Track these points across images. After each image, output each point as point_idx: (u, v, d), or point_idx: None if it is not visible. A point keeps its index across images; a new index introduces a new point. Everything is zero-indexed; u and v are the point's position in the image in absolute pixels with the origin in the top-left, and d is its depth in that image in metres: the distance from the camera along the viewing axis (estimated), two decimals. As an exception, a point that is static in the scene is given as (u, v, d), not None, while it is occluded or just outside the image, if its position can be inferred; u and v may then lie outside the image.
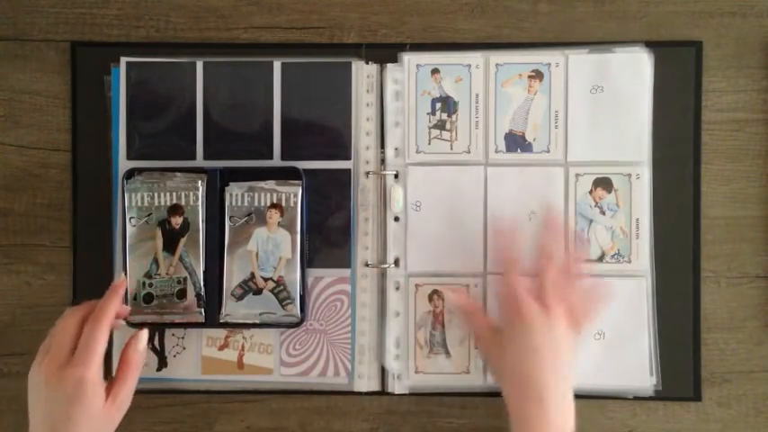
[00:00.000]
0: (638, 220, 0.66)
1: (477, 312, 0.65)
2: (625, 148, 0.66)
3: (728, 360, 0.67)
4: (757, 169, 0.67)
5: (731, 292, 0.67)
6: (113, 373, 0.59)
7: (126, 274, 0.64)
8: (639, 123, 0.66)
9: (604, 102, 0.66)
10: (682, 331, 0.66)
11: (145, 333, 0.60)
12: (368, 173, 0.67)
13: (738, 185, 0.67)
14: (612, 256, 0.66)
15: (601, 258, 0.66)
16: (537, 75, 0.67)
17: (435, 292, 0.67)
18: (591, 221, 0.66)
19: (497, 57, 0.67)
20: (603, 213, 0.66)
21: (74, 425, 0.54)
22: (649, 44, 0.67)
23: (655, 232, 0.66)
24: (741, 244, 0.67)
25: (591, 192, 0.66)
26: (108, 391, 0.56)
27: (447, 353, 0.67)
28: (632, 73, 0.66)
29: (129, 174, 0.65)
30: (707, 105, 0.67)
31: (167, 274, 0.65)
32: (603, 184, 0.66)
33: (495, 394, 0.67)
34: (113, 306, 0.58)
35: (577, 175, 0.66)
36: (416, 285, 0.67)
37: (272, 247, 0.65)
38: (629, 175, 0.66)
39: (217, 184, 0.65)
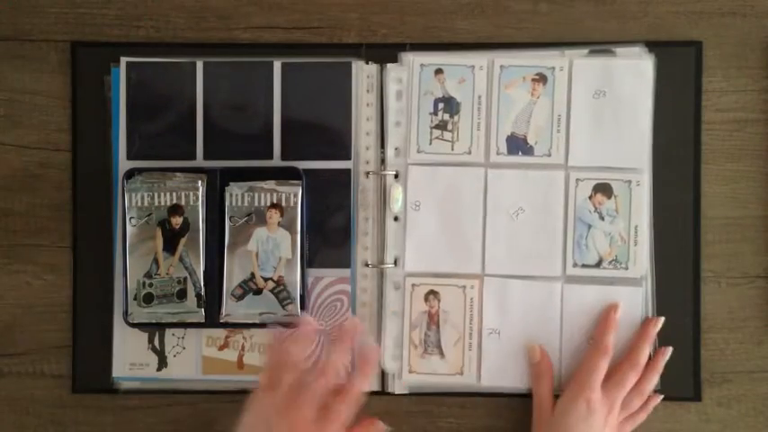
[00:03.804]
0: (636, 227, 0.66)
1: (548, 374, 0.65)
2: (626, 154, 0.66)
3: (728, 360, 0.67)
4: (757, 169, 0.67)
5: (731, 293, 0.67)
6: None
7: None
8: (641, 130, 0.66)
9: (607, 107, 0.66)
10: (682, 331, 0.66)
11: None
12: (368, 173, 0.67)
13: (738, 185, 0.67)
14: (610, 263, 0.66)
15: (598, 264, 0.66)
16: (540, 78, 0.67)
17: (432, 292, 0.67)
18: (589, 227, 0.66)
19: (502, 59, 0.67)
20: (602, 219, 0.66)
21: None
22: (649, 44, 0.66)
23: (655, 233, 0.66)
24: (741, 244, 0.67)
25: (591, 197, 0.66)
26: None
27: (441, 353, 0.67)
28: (635, 79, 0.66)
29: (129, 174, 0.65)
30: (707, 105, 0.67)
31: (167, 274, 0.65)
32: (603, 189, 0.66)
33: (494, 395, 0.67)
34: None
35: (578, 180, 0.66)
36: (413, 285, 0.67)
37: (272, 247, 0.65)
38: (630, 182, 0.66)
39: (217, 184, 0.65)
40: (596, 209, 0.66)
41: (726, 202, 0.67)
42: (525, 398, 0.66)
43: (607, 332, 0.64)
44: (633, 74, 0.66)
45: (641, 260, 0.66)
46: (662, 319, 0.65)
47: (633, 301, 0.66)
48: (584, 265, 0.66)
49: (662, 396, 0.65)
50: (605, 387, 0.62)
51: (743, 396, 0.67)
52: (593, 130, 0.66)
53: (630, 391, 0.63)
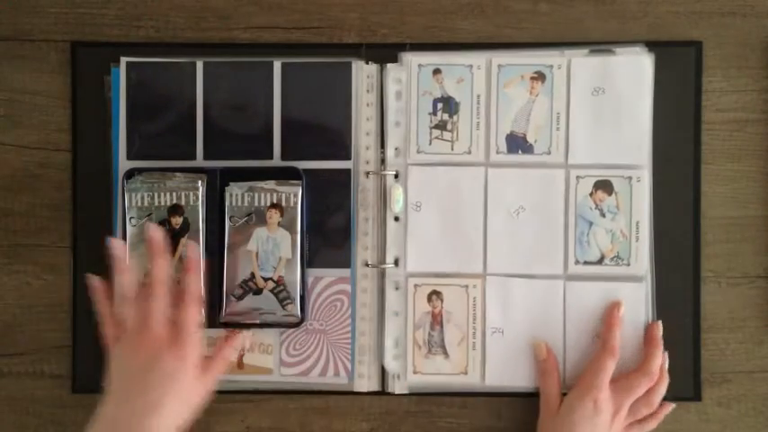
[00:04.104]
0: (638, 223, 0.66)
1: (555, 371, 0.65)
2: (626, 150, 0.66)
3: (728, 360, 0.67)
4: (757, 169, 0.67)
5: (731, 292, 0.67)
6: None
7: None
8: (640, 127, 0.66)
9: (606, 104, 0.66)
10: (682, 331, 0.66)
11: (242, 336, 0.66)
12: (368, 173, 0.67)
13: (738, 185, 0.67)
14: (612, 259, 0.66)
15: (600, 261, 0.66)
16: (539, 76, 0.67)
17: (434, 292, 0.67)
18: (591, 224, 0.66)
19: (499, 58, 0.67)
20: (603, 216, 0.66)
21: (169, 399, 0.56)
22: (649, 44, 0.67)
23: (655, 232, 0.66)
24: (741, 244, 0.67)
25: (591, 194, 0.66)
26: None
27: (445, 353, 0.67)
28: (634, 76, 0.66)
29: (129, 174, 0.65)
30: (707, 105, 0.67)
31: (167, 274, 0.65)
32: (604, 186, 0.66)
33: (494, 394, 0.67)
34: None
35: (578, 178, 0.66)
36: (415, 285, 0.67)
37: (272, 247, 0.65)
38: (630, 178, 0.66)
39: (217, 184, 0.65)
40: (597, 206, 0.66)
41: (726, 202, 0.67)
42: (526, 398, 0.67)
43: (613, 331, 0.64)
44: (631, 70, 0.66)
45: (643, 256, 0.66)
46: (660, 322, 0.65)
47: (636, 297, 0.66)
48: (585, 263, 0.66)
49: (674, 405, 0.65)
50: (615, 389, 0.62)
51: (743, 396, 0.67)
52: (592, 128, 0.66)
53: (639, 398, 0.63)
